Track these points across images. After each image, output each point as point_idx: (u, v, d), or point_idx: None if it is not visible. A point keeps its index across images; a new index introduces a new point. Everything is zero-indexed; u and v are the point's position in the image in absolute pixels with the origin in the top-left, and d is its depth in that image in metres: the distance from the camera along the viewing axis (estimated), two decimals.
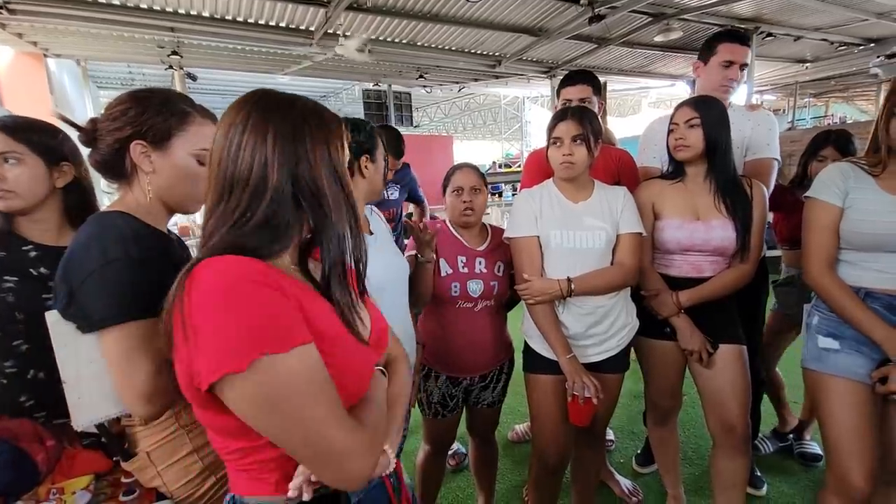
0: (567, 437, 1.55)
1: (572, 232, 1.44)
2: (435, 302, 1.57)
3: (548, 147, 1.48)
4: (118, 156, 0.92)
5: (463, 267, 1.53)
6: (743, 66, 1.77)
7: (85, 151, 1.02)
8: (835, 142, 2.05)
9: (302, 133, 0.65)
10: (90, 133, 0.94)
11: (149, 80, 7.74)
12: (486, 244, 1.59)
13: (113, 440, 0.97)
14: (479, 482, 1.87)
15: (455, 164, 1.63)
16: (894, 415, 1.31)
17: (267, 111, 0.65)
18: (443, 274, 1.52)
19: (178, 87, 5.43)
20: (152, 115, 0.92)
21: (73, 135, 1.05)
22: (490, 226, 1.66)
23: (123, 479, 0.99)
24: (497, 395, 1.66)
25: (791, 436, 2.31)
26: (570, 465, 1.73)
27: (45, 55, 4.89)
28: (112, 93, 8.00)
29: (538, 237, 1.46)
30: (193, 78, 5.71)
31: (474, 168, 1.60)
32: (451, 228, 1.61)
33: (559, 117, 1.45)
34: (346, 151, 0.73)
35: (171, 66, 5.32)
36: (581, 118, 1.42)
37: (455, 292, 1.51)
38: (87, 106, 5.73)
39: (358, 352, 0.69)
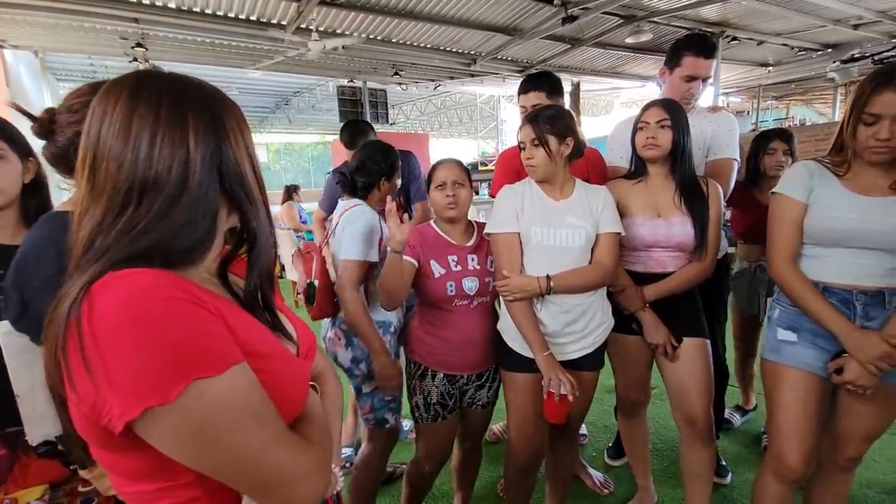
0: (542, 435, 1.57)
1: (553, 230, 1.45)
2: (430, 303, 1.54)
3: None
4: (77, 150, 0.89)
5: (455, 266, 1.51)
6: (705, 79, 1.80)
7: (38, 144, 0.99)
8: (778, 135, 2.22)
9: (221, 119, 0.57)
10: (46, 124, 0.90)
11: (111, 72, 7.45)
12: (474, 240, 1.58)
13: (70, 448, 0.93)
14: (459, 482, 1.87)
15: (438, 159, 1.61)
16: (847, 405, 1.37)
17: (177, 98, 0.55)
18: (436, 275, 1.49)
19: None
20: None
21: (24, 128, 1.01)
22: (476, 222, 1.64)
23: (81, 489, 0.95)
24: (492, 395, 1.65)
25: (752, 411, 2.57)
26: (545, 461, 1.74)
27: (2, 46, 4.66)
28: (73, 86, 7.66)
29: (518, 234, 1.47)
30: None
31: (457, 162, 1.57)
32: (437, 228, 1.58)
33: (521, 123, 1.50)
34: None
35: (135, 59, 5.14)
36: (535, 122, 1.44)
37: (451, 291, 1.49)
38: (45, 99, 5.50)
39: (292, 366, 0.63)
